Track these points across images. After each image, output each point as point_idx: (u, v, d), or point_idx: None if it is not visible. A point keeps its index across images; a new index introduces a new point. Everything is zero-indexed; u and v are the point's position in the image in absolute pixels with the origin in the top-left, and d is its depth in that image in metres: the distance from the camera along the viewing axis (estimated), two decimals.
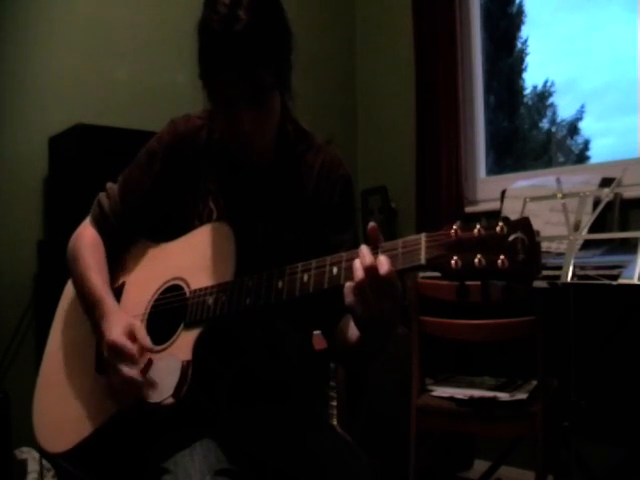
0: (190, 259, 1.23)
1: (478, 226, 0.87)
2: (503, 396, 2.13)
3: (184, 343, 1.14)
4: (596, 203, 2.07)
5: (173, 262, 1.26)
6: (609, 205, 2.17)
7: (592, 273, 1.80)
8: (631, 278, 1.68)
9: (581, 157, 3.08)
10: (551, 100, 3.17)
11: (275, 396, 1.29)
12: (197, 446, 1.11)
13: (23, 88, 2.51)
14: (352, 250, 0.99)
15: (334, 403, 2.48)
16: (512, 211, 2.42)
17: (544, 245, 2.23)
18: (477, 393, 2.18)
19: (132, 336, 1.15)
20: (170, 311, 1.20)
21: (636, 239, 1.78)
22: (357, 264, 0.95)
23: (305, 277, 1.04)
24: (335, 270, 1.00)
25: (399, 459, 2.33)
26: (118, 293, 1.31)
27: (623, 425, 2.42)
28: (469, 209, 3.00)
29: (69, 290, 1.41)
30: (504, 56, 3.30)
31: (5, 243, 2.43)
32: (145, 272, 1.31)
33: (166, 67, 2.81)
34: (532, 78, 3.21)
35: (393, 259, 0.93)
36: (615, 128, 2.95)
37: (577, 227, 1.91)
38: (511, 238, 0.85)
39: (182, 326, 1.17)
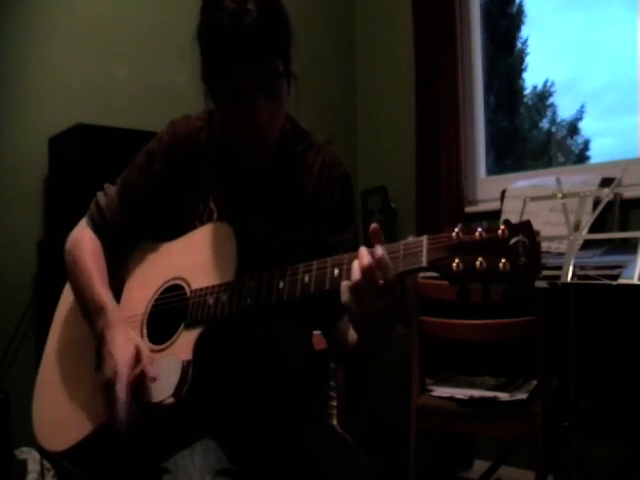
0: (191, 259, 1.23)
1: (480, 229, 0.88)
2: (503, 396, 2.13)
3: (185, 343, 1.14)
4: (596, 203, 2.07)
5: (174, 262, 1.26)
6: (609, 205, 2.17)
7: (592, 273, 1.80)
8: (631, 278, 1.68)
9: (581, 157, 3.09)
10: (551, 100, 3.18)
11: (275, 396, 1.29)
12: (197, 446, 1.11)
13: (23, 88, 2.51)
14: (353, 252, 0.99)
15: (334, 403, 2.48)
16: (512, 211, 2.42)
17: (544, 245, 2.23)
18: (477, 393, 2.18)
19: (137, 360, 1.14)
20: (171, 311, 1.20)
21: (636, 239, 1.78)
22: (355, 265, 0.96)
23: (306, 278, 1.04)
24: (337, 271, 1.01)
25: (399, 459, 2.33)
26: (118, 292, 1.30)
27: (623, 425, 2.42)
28: (469, 209, 3.00)
29: (68, 290, 1.41)
30: (504, 56, 3.30)
31: (5, 243, 2.43)
32: (146, 271, 1.31)
33: (166, 67, 2.81)
34: (532, 78, 3.22)
35: (394, 261, 0.94)
36: (615, 128, 2.95)
37: (577, 227, 1.91)
38: (512, 241, 0.85)
39: (183, 326, 1.17)
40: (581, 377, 1.97)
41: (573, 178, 2.40)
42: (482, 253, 0.86)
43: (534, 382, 2.18)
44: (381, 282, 0.93)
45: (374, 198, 3.20)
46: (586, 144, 3.06)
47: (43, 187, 2.52)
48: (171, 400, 1.08)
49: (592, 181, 2.36)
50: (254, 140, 1.20)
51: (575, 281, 1.78)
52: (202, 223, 1.26)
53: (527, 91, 3.27)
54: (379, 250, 0.94)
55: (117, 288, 1.31)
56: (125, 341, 1.15)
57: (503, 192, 2.62)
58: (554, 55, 3.14)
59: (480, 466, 2.79)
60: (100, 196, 1.35)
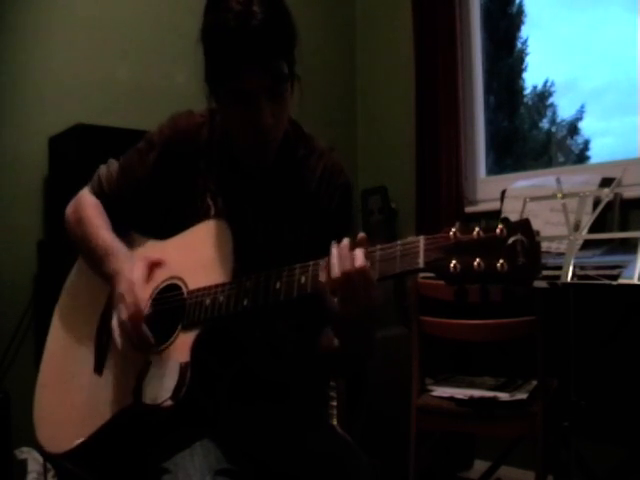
0: (188, 257, 1.23)
1: (477, 228, 0.87)
2: (503, 396, 2.13)
3: (182, 345, 1.14)
4: (596, 203, 2.07)
5: (172, 260, 1.25)
6: (609, 205, 2.17)
7: (592, 273, 1.80)
8: (631, 278, 1.67)
9: (581, 157, 3.08)
10: (551, 100, 3.17)
11: (275, 396, 1.29)
12: (197, 446, 1.11)
13: (23, 88, 2.51)
14: None
15: (334, 403, 2.47)
16: (512, 211, 2.42)
17: (544, 245, 2.23)
18: (477, 393, 2.18)
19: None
20: (168, 311, 1.20)
21: (636, 239, 1.77)
22: (334, 259, 0.98)
23: (303, 279, 1.04)
24: None
25: (399, 459, 2.33)
26: None
27: (623, 425, 2.42)
28: (469, 209, 3.00)
29: (68, 289, 1.41)
30: (504, 56, 3.30)
31: (5, 243, 2.43)
32: None
33: (166, 67, 2.81)
34: (532, 78, 3.22)
35: (391, 262, 0.94)
36: (615, 128, 2.95)
37: (577, 227, 1.91)
38: (511, 240, 0.85)
39: (180, 327, 1.16)
40: (581, 377, 1.97)
41: (573, 178, 2.40)
42: (480, 253, 0.85)
43: (534, 382, 2.17)
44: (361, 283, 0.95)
45: (374, 198, 3.20)
46: (586, 144, 3.06)
47: (43, 187, 2.52)
48: (169, 403, 1.08)
49: (592, 181, 2.35)
50: (257, 142, 1.20)
51: (575, 281, 1.78)
52: (199, 220, 1.25)
53: (527, 91, 3.27)
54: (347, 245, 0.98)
55: None
56: (135, 263, 1.21)
57: (503, 192, 2.62)
58: (554, 55, 3.14)
59: (480, 466, 2.79)
60: (102, 168, 1.38)
